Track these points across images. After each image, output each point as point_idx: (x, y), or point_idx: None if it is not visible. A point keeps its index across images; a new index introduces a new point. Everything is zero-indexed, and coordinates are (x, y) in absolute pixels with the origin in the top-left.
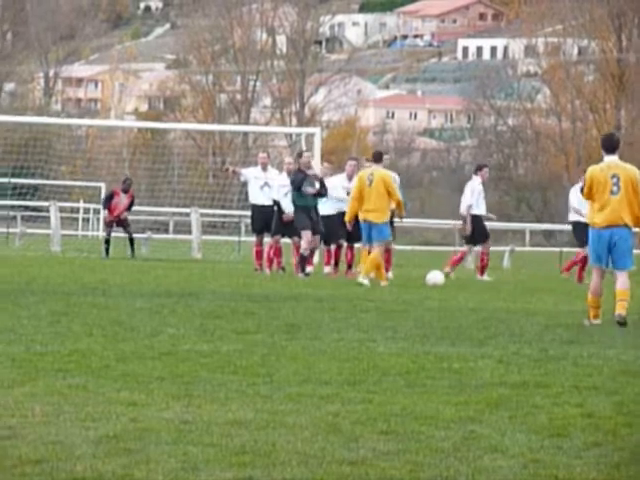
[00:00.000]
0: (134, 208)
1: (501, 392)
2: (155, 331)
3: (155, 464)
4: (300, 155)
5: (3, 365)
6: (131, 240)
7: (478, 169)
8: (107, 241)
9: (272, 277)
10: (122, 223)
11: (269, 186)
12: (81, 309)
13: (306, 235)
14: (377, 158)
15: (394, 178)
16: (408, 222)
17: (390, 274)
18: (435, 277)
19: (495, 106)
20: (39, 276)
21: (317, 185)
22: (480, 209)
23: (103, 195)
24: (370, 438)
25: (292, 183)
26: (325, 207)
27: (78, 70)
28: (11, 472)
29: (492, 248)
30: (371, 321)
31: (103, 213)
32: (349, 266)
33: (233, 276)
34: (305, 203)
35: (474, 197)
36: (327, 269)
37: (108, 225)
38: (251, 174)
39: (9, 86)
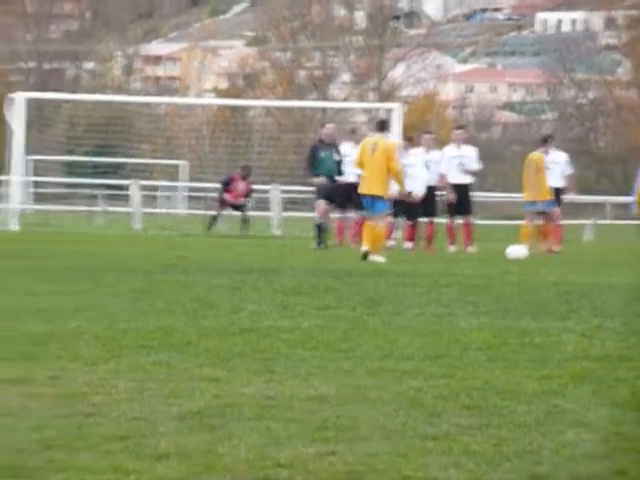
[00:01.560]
0: (215, 185)
1: (584, 366)
2: (236, 307)
3: (238, 440)
4: (323, 125)
5: (87, 342)
6: (244, 221)
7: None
8: (214, 217)
9: (353, 252)
10: (238, 207)
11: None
12: (162, 286)
13: (318, 205)
14: (380, 127)
15: (400, 146)
16: (489, 196)
17: (471, 248)
18: (516, 251)
19: (575, 79)
20: (121, 254)
21: (336, 157)
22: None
23: (221, 179)
24: (452, 413)
25: (309, 152)
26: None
27: (157, 48)
28: (95, 449)
29: (574, 221)
30: (452, 296)
31: (223, 196)
32: (429, 241)
33: (313, 252)
34: (323, 173)
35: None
36: (408, 244)
37: (221, 204)
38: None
39: (89, 65)
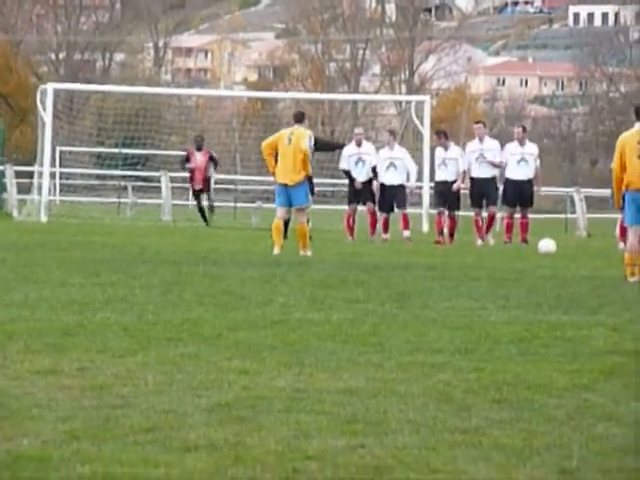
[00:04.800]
0: (245, 178)
1: (615, 360)
2: (266, 300)
3: (267, 432)
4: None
5: (115, 334)
6: (211, 208)
7: None
8: (200, 209)
9: (364, 244)
10: (204, 189)
11: (363, 161)
12: (192, 278)
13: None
14: (298, 118)
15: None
16: None
17: (491, 240)
18: (547, 245)
19: (607, 73)
20: (150, 246)
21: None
22: None
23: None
24: (482, 407)
25: None
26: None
27: (188, 40)
28: (123, 441)
29: (598, 215)
30: (483, 289)
31: (188, 178)
32: (451, 234)
33: (342, 245)
34: None
35: None
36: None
37: (195, 195)
38: (346, 152)
39: (119, 56)
